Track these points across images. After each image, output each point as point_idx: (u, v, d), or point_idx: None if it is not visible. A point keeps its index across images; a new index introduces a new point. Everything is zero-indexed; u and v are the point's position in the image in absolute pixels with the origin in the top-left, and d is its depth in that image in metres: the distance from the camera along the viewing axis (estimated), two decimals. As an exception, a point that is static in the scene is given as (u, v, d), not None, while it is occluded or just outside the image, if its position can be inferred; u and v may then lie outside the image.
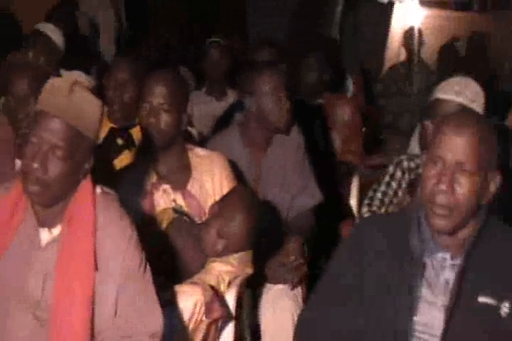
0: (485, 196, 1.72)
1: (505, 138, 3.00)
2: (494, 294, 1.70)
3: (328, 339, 1.82)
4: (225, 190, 2.40)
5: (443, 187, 1.68)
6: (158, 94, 2.32)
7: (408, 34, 5.70)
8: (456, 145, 1.68)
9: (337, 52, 5.67)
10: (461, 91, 2.46)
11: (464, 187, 1.68)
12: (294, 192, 2.79)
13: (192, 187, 2.41)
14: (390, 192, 2.75)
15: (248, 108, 2.74)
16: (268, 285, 2.55)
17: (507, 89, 4.99)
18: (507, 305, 1.69)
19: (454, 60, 5.05)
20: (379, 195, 2.76)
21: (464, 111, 2.32)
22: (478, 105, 2.47)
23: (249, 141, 2.76)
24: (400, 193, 2.74)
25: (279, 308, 2.46)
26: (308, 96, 3.76)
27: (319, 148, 3.47)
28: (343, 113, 3.81)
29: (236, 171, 2.60)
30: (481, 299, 1.70)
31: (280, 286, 2.53)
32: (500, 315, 1.69)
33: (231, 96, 4.02)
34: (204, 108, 3.95)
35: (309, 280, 2.57)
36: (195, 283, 2.10)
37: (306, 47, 5.42)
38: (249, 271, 2.27)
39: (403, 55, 5.83)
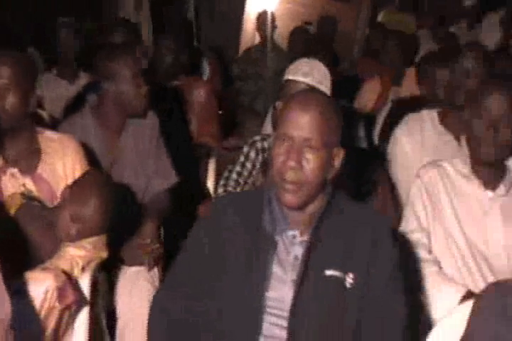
0: (330, 172, 1.78)
1: (351, 119, 3.15)
2: (340, 266, 1.75)
3: (182, 319, 1.82)
4: (78, 174, 2.35)
5: (291, 163, 1.71)
6: (3, 75, 2.22)
7: (261, 18, 5.78)
8: (303, 122, 1.71)
9: (193, 35, 5.67)
10: (309, 73, 2.54)
11: (311, 162, 1.72)
12: (150, 175, 2.77)
13: (43, 170, 2.34)
14: (245, 173, 2.80)
15: (104, 91, 2.69)
16: (124, 268, 2.53)
17: (355, 72, 5.18)
18: (351, 275, 1.75)
19: (304, 43, 5.17)
20: (234, 175, 2.80)
21: (311, 89, 2.39)
22: (325, 86, 2.56)
23: (103, 123, 2.71)
24: (254, 173, 2.80)
25: (135, 290, 2.45)
26: (165, 78, 3.74)
27: (176, 131, 3.47)
28: (199, 95, 3.81)
29: (90, 154, 2.55)
30: (328, 272, 1.75)
31: (136, 268, 2.52)
32: (346, 286, 1.74)
33: (83, 79, 3.92)
34: (55, 90, 3.84)
35: (166, 262, 2.57)
36: (46, 269, 2.05)
37: (162, 29, 5.39)
38: (104, 254, 2.24)
39: (258, 39, 5.92)
